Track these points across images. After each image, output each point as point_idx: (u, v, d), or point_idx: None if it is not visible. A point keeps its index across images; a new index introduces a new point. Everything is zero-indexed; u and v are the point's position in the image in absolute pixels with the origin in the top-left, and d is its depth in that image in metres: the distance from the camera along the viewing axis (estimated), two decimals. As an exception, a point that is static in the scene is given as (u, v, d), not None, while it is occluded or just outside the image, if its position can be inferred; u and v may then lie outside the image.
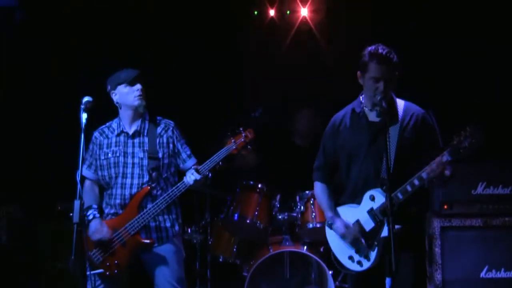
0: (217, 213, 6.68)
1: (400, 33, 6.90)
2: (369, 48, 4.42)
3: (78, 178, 4.44)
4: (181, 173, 5.10)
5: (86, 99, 4.55)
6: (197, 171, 4.92)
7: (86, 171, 5.16)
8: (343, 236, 4.57)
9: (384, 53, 4.37)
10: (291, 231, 6.55)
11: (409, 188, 4.31)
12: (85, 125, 4.51)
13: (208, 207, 6.66)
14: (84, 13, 7.21)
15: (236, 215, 6.47)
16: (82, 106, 4.53)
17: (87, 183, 5.17)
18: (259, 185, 6.55)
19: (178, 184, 4.96)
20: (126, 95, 5.00)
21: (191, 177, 4.89)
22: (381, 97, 4.34)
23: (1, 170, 6.79)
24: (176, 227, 5.10)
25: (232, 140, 5.01)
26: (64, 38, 7.22)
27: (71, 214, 4.36)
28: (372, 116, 4.54)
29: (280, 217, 6.54)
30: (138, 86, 4.99)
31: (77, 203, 4.36)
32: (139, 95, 4.99)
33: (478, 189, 5.52)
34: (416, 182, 4.29)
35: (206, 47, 7.52)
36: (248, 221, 6.42)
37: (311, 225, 6.36)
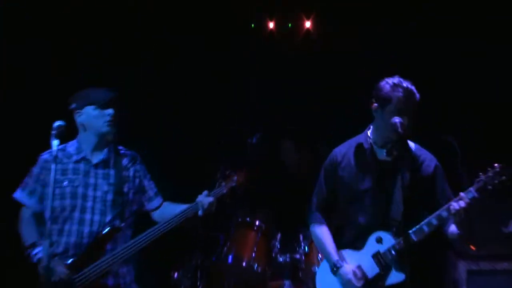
0: (208, 254, 5.95)
1: (400, 33, 6.85)
2: (391, 80, 4.11)
3: (47, 215, 4.00)
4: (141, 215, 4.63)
5: (57, 123, 4.05)
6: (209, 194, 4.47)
7: (25, 198, 4.48)
8: (347, 284, 4.12)
9: (409, 86, 4.07)
10: (294, 275, 5.83)
11: (425, 229, 3.98)
12: (56, 152, 4.05)
13: (197, 247, 5.92)
14: (84, 13, 7.18)
15: (230, 256, 5.77)
16: (53, 132, 4.03)
17: (26, 213, 4.48)
18: (257, 222, 5.91)
19: (185, 207, 4.42)
20: (95, 118, 4.44)
21: (207, 200, 4.41)
22: (401, 135, 3.98)
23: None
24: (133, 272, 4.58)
25: (223, 184, 4.60)
26: (64, 38, 7.20)
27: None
28: (381, 154, 4.21)
29: (280, 259, 5.85)
30: (110, 111, 4.44)
31: (45, 244, 3.85)
32: (110, 121, 4.45)
33: (510, 226, 4.97)
34: (434, 221, 3.99)
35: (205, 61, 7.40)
36: (244, 264, 5.73)
37: (317, 269, 5.24)
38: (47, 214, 4.06)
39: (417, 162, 4.18)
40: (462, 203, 3.90)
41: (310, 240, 5.70)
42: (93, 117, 4.44)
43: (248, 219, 5.95)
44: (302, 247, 5.82)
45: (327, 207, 4.40)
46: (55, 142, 4.01)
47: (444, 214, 3.95)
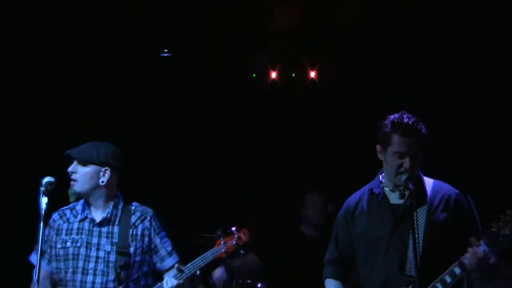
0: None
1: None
2: (392, 117, 3.75)
3: (35, 277, 3.80)
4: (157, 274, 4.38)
5: (46, 179, 3.84)
6: (180, 271, 4.18)
7: (36, 261, 4.05)
8: None
9: (410, 123, 3.69)
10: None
11: (448, 280, 3.56)
12: (45, 211, 3.79)
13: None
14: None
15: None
16: (42, 188, 3.81)
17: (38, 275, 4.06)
18: (259, 285, 5.50)
19: None
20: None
21: (172, 282, 4.13)
22: (407, 176, 3.63)
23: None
24: None
25: (222, 242, 4.32)
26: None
27: None
28: (394, 198, 3.81)
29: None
30: (68, 169, 4.22)
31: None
32: (73, 182, 4.23)
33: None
34: (448, 279, 3.56)
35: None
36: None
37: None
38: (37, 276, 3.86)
39: (435, 201, 3.77)
40: (474, 259, 3.48)
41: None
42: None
43: (249, 281, 5.55)
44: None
45: (344, 260, 3.99)
46: (43, 200, 3.80)
47: (457, 271, 3.53)
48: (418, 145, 3.69)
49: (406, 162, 3.67)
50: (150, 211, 4.36)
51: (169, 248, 4.35)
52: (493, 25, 6.37)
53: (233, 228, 4.38)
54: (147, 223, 4.30)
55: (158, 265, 4.34)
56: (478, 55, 6.42)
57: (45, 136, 6.42)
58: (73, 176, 4.22)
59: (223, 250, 4.31)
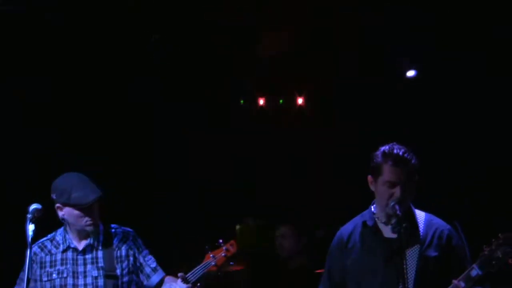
0: None
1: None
2: (383, 148, 3.73)
3: None
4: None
5: (33, 206, 3.75)
6: (184, 280, 4.12)
7: None
8: None
9: (400, 153, 3.68)
10: None
11: None
12: (32, 239, 3.69)
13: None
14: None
15: None
16: (29, 215, 3.71)
17: None
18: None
19: None
20: (76, 218, 4.14)
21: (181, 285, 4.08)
22: (395, 203, 3.62)
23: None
24: None
25: (211, 255, 4.22)
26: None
27: None
28: (388, 232, 3.75)
29: None
30: (92, 213, 4.13)
31: None
32: (91, 223, 4.14)
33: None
34: None
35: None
36: None
37: None
38: None
39: (428, 237, 3.73)
40: (462, 284, 3.48)
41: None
42: (74, 216, 4.16)
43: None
44: None
45: None
46: (30, 227, 3.71)
47: None
48: (408, 175, 3.67)
49: (397, 191, 3.65)
50: (131, 231, 4.34)
51: (154, 265, 4.33)
52: (492, 25, 6.33)
53: (220, 241, 4.32)
54: (130, 243, 4.27)
55: (145, 283, 4.30)
56: (478, 55, 6.38)
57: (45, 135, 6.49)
58: (93, 219, 4.17)
59: (213, 263, 4.24)
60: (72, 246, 4.20)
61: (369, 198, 3.90)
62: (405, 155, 3.67)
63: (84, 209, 4.10)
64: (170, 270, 4.32)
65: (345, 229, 3.92)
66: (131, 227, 4.37)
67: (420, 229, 3.73)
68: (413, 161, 3.68)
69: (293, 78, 7.17)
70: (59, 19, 6.23)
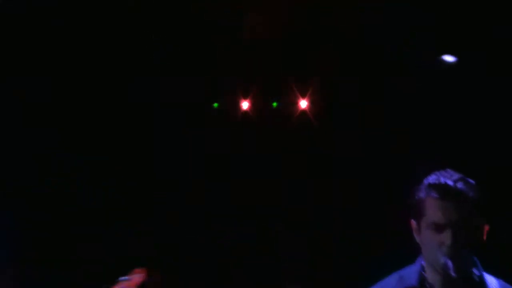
0: None
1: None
2: (430, 178, 2.63)
3: None
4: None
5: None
6: None
7: None
8: None
9: (450, 182, 2.56)
10: None
11: None
12: None
13: None
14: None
15: None
16: None
17: None
18: None
19: None
20: None
21: None
22: (445, 253, 2.49)
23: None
24: None
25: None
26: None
27: None
28: None
29: None
30: None
31: None
32: None
33: None
34: None
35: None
36: None
37: None
38: None
39: None
40: None
41: None
42: None
43: None
44: None
45: None
46: None
47: None
48: (463, 213, 2.54)
49: (447, 237, 2.51)
50: None
51: None
52: (492, 25, 6.29)
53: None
54: None
55: None
56: (478, 55, 6.37)
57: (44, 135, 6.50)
58: None
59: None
60: None
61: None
62: (458, 185, 2.56)
63: None
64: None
65: None
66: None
67: None
68: (471, 194, 2.56)
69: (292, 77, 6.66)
70: (59, 19, 6.25)
